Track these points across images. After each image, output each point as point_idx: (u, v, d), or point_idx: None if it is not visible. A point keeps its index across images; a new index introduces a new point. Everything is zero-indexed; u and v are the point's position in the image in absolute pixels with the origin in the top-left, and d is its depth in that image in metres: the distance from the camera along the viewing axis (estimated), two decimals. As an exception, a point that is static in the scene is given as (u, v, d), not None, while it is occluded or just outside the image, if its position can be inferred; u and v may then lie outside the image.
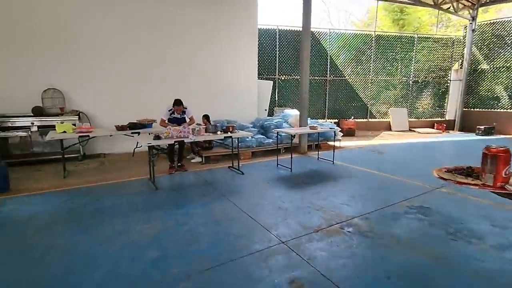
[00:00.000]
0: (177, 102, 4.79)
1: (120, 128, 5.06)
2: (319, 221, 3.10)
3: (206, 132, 4.66)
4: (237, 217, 3.23)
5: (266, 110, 9.53)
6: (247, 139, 6.22)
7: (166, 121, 4.86)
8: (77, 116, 5.80)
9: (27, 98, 5.74)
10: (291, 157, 5.25)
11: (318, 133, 6.15)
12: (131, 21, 6.66)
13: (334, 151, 5.90)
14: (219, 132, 4.71)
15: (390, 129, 11.23)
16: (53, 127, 4.95)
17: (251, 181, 4.62)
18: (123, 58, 6.64)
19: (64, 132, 4.74)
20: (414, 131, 11.15)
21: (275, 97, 10.11)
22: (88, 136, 4.72)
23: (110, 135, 4.89)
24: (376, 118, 11.37)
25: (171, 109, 4.83)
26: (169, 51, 7.14)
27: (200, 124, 6.06)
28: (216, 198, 3.83)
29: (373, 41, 10.80)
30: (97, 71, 6.40)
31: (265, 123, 7.29)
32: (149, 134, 5.20)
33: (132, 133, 5.08)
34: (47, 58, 5.94)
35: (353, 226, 3.00)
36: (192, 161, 5.91)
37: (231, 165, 5.41)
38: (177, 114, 4.88)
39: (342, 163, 5.80)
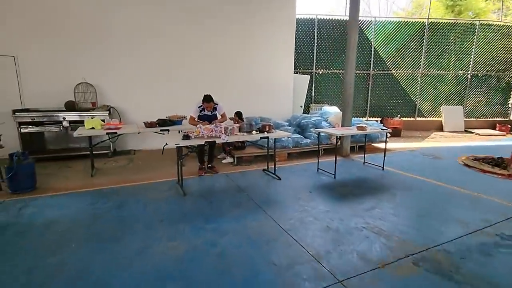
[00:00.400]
0: (207, 98, 4.31)
1: (148, 125, 4.73)
2: (383, 251, 2.44)
3: (240, 131, 4.14)
4: (277, 238, 2.67)
5: (301, 106, 8.85)
6: (283, 138, 5.63)
7: (196, 119, 4.41)
8: (108, 111, 5.59)
9: (61, 92, 5.63)
10: (335, 161, 4.56)
11: (365, 134, 5.39)
12: (164, 14, 6.33)
13: (384, 155, 5.09)
14: (254, 132, 4.17)
15: (441, 130, 9.97)
16: (83, 122, 4.75)
17: (290, 189, 4.04)
18: (155, 53, 6.34)
19: (93, 128, 4.50)
20: (471, 132, 9.79)
21: (311, 93, 9.37)
22: (116, 133, 4.43)
23: (138, 133, 4.58)
24: (424, 117, 10.16)
25: (200, 106, 4.37)
26: (202, 44, 6.73)
27: (232, 119, 5.60)
28: (251, 210, 3.31)
29: (425, 29, 9.57)
30: (129, 65, 6.17)
31: (303, 121, 6.63)
32: (179, 132, 4.82)
33: (161, 130, 4.72)
34: (80, 51, 5.79)
35: (430, 261, 2.30)
36: (223, 161, 5.45)
37: (265, 168, 4.86)
38: (208, 111, 4.41)
39: (393, 170, 4.99)
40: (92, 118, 5.02)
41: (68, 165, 5.08)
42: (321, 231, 2.78)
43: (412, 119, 10.07)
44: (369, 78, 9.60)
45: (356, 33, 5.80)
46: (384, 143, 7.05)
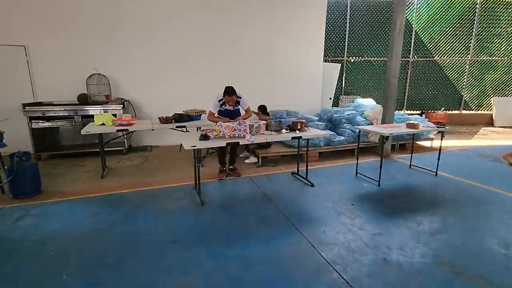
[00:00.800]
0: (229, 91, 3.67)
1: (164, 120, 4.21)
2: (473, 306, 1.74)
3: (267, 130, 3.51)
4: (320, 274, 2.04)
5: (330, 99, 8.03)
6: (314, 136, 4.92)
7: (216, 115, 3.81)
8: (122, 105, 5.15)
9: (75, 84, 5.26)
10: (381, 165, 3.82)
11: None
12: (182, 1, 5.75)
13: (439, 158, 4.24)
14: (284, 131, 3.51)
15: (491, 125, 8.77)
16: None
17: (326, 199, 3.37)
18: (172, 42, 5.80)
19: (103, 124, 4.05)
20: (528, 127, 8.51)
21: (340, 84, 8.50)
22: (127, 130, 3.95)
23: (152, 129, 4.08)
24: (471, 110, 8.97)
25: (221, 99, 3.76)
26: (222, 32, 6.09)
27: (256, 114, 4.97)
28: (282, 228, 2.69)
29: (476, 9, 8.32)
30: (145, 56, 5.67)
31: (335, 115, 5.86)
32: (197, 129, 4.27)
33: (177, 127, 4.19)
34: (93, 40, 5.35)
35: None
36: (246, 161, 4.86)
37: (295, 170, 4.21)
38: (229, 105, 3.79)
39: (449, 175, 4.17)
40: (105, 112, 4.60)
41: (80, 164, 4.70)
42: (377, 267, 2.12)
43: (456, 112, 8.94)
44: (408, 66, 8.56)
45: (404, 14, 4.90)
46: (430, 141, 6.19)
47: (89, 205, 3.16)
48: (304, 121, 3.70)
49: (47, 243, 2.42)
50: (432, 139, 6.12)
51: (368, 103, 6.71)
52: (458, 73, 8.75)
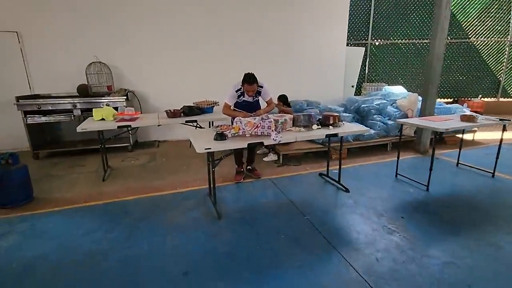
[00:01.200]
0: (249, 79, 3.01)
1: (172, 114, 3.66)
2: None
3: (294, 126, 2.91)
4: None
5: (353, 87, 7.30)
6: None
7: (232, 107, 3.22)
8: (125, 96, 4.61)
9: (74, 73, 4.73)
10: (431, 166, 3.18)
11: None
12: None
13: (498, 156, 3.56)
14: (315, 126, 2.91)
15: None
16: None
17: (369, 210, 2.78)
18: (179, 25, 5.16)
19: (103, 119, 3.53)
20: None
21: (363, 70, 7.73)
22: (130, 126, 3.41)
23: (159, 125, 3.54)
24: (510, 97, 8.09)
25: (239, 89, 3.16)
26: (236, 13, 5.41)
27: (277, 106, 4.35)
28: (320, 251, 2.13)
29: (521, -17, 7.32)
30: (149, 41, 5.07)
31: (363, 106, 5.18)
32: (210, 124, 3.71)
33: (186, 121, 3.63)
34: (92, 25, 4.78)
35: None
36: (265, 159, 4.29)
37: (323, 171, 3.62)
38: (249, 96, 3.18)
39: (510, 177, 3.50)
40: (107, 105, 4.08)
41: (81, 163, 4.23)
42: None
43: (493, 99, 8.07)
44: (440, 49, 7.68)
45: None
46: (472, 133, 5.45)
47: (86, 217, 2.67)
48: (337, 114, 3.07)
49: (29, 274, 1.93)
50: (474, 131, 5.39)
51: (398, 91, 5.99)
52: (497, 56, 7.83)
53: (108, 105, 4.16)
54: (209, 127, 3.75)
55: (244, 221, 2.59)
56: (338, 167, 3.32)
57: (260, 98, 3.28)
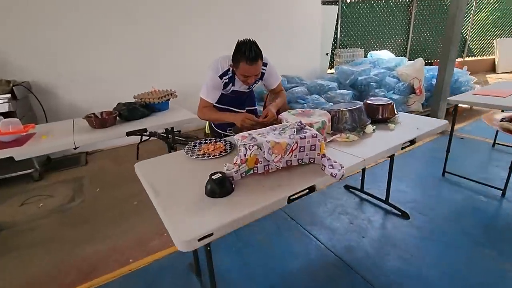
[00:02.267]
0: (250, 53, 1.46)
1: (99, 121, 2.05)
2: None
3: (333, 129, 1.63)
4: None
5: (327, 54, 6.22)
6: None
7: (214, 102, 1.74)
8: (9, 94, 2.73)
9: None
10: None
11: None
12: None
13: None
14: (370, 127, 1.67)
15: (494, 71, 7.89)
16: None
17: (453, 249, 1.74)
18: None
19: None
20: (529, 71, 7.79)
21: (336, 33, 6.65)
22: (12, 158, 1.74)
23: (75, 148, 1.93)
24: (474, 56, 7.94)
25: (226, 71, 1.65)
26: None
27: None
28: None
29: None
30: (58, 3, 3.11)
31: (360, 78, 4.13)
32: (167, 135, 2.25)
33: (127, 134, 2.06)
34: None
35: None
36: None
37: (349, 182, 2.48)
38: (242, 84, 1.72)
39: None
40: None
41: None
42: None
43: (459, 60, 7.82)
44: (413, 4, 6.95)
45: None
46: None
47: None
48: (392, 102, 1.87)
49: None
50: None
51: (387, 56, 5.08)
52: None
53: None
54: (171, 143, 2.29)
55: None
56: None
57: (262, 83, 1.86)
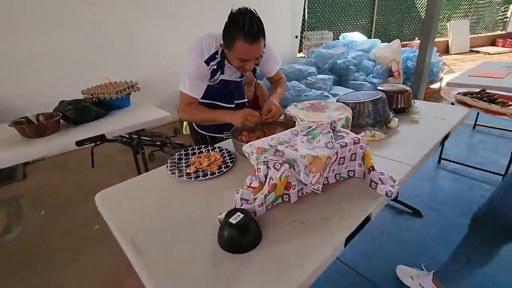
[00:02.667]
0: (251, 29, 1.05)
1: (30, 129, 1.49)
2: None
3: (354, 125, 1.31)
4: None
5: (297, 37, 5.89)
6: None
7: (199, 97, 1.28)
8: None
9: None
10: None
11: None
12: None
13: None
14: (393, 123, 1.38)
15: (447, 52, 8.29)
16: None
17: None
18: None
19: None
20: (477, 52, 8.33)
21: (304, 15, 6.34)
22: None
23: (1, 170, 1.37)
24: (438, 37, 8.23)
25: (213, 54, 1.21)
26: None
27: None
28: None
29: None
30: None
31: (339, 62, 3.89)
32: (131, 138, 1.76)
33: (78, 143, 1.53)
34: None
35: None
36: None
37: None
38: (234, 71, 1.31)
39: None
40: None
41: None
42: None
43: (417, 41, 8.05)
44: (376, -14, 6.89)
45: None
46: (438, 82, 4.93)
47: None
48: (409, 89, 1.60)
49: None
50: (441, 79, 4.87)
51: (360, 38, 4.92)
52: (421, -5, 7.61)
53: None
54: (136, 147, 1.83)
55: None
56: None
57: (259, 69, 1.46)
